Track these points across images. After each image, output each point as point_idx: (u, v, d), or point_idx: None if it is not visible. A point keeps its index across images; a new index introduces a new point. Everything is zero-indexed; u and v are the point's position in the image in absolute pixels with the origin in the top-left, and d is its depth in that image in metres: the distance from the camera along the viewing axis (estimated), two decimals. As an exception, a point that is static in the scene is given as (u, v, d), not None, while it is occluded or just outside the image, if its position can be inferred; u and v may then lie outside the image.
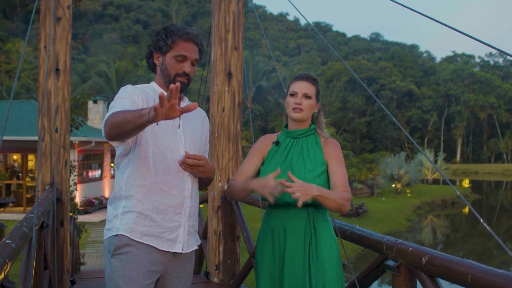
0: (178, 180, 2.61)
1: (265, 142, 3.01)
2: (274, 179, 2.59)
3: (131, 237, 2.51)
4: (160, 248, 2.55)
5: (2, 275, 2.08)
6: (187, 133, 2.70)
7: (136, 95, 2.57)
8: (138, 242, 2.51)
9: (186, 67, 2.64)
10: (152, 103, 2.58)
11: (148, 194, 2.55)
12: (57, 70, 5.54)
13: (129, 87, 2.63)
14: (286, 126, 2.99)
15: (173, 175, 2.60)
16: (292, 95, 2.89)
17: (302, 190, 2.53)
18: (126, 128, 2.30)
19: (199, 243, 2.80)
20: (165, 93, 2.06)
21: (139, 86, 2.68)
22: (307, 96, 2.87)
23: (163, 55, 2.66)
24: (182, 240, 2.62)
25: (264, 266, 2.86)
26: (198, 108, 2.79)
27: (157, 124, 2.54)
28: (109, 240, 2.58)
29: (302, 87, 2.88)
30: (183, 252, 2.64)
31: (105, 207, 14.06)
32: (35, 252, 3.32)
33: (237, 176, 2.98)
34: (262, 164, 2.97)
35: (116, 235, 2.53)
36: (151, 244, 2.53)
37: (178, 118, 2.67)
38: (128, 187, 2.57)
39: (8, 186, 23.00)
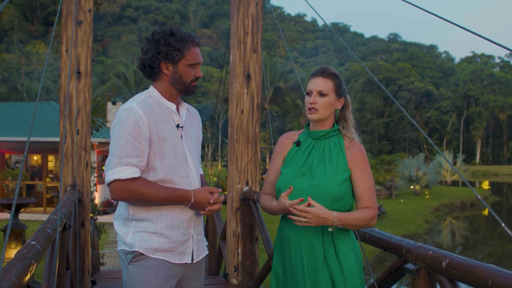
0: None
1: (285, 142, 2.83)
2: (289, 200, 2.50)
3: (146, 254, 2.51)
4: (171, 261, 2.56)
5: (28, 276, 2.11)
6: (189, 142, 2.67)
7: (143, 135, 2.45)
8: (152, 258, 2.52)
9: (199, 72, 2.62)
10: (158, 120, 2.52)
11: (160, 214, 2.53)
12: (79, 73, 5.61)
13: (131, 118, 2.45)
14: (308, 125, 2.81)
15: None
16: (308, 94, 2.71)
17: (317, 222, 2.48)
18: (153, 204, 2.50)
19: (207, 243, 2.82)
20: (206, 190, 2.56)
21: (142, 101, 2.53)
22: (322, 94, 2.66)
23: (175, 64, 2.55)
24: (191, 250, 2.64)
25: (276, 275, 2.77)
26: (193, 109, 2.81)
27: (164, 142, 2.52)
28: (123, 252, 2.57)
29: (316, 84, 2.68)
30: (193, 262, 2.66)
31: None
32: (58, 253, 3.37)
33: (266, 186, 2.86)
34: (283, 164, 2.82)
35: (132, 251, 2.52)
36: (164, 259, 2.54)
37: (181, 128, 2.63)
38: (138, 210, 2.53)
39: (28, 186, 23.32)
